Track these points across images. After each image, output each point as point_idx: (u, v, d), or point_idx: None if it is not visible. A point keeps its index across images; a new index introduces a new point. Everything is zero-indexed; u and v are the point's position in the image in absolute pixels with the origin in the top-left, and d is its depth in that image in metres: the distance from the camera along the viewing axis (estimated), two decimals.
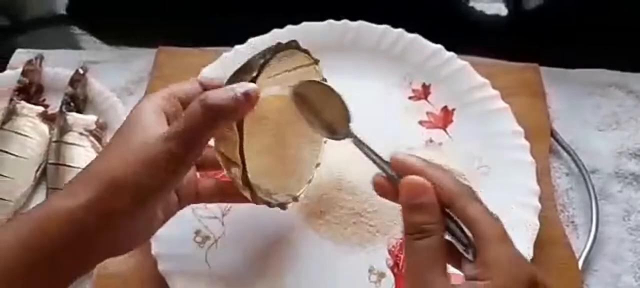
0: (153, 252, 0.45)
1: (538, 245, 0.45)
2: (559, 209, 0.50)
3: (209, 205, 0.49)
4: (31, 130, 0.53)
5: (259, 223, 0.48)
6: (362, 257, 0.47)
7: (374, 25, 0.56)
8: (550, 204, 0.49)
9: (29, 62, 0.57)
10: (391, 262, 0.46)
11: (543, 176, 0.50)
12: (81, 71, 0.56)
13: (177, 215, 0.48)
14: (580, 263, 0.47)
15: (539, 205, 0.47)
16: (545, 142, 0.53)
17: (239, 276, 0.46)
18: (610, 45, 0.61)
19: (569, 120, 0.56)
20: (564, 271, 0.47)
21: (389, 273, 0.46)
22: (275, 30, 0.56)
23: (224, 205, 0.49)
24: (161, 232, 0.46)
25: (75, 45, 0.66)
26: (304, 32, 0.56)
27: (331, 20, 0.56)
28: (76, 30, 0.68)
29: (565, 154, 0.53)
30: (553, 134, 0.54)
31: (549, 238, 0.47)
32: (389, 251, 0.47)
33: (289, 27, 0.56)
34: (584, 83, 0.58)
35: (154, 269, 0.45)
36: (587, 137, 0.55)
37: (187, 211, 0.48)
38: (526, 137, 0.50)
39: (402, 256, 0.47)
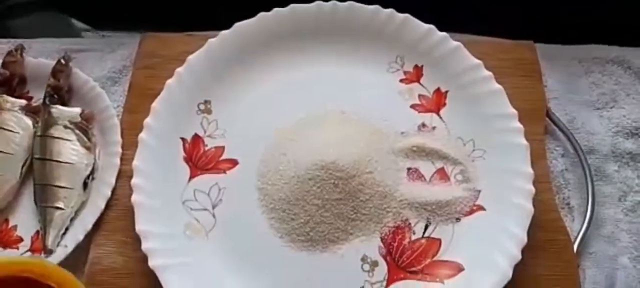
0: (143, 248, 0.44)
1: (533, 228, 0.45)
2: (554, 191, 0.49)
3: (200, 198, 0.49)
4: (15, 124, 0.52)
5: (251, 214, 0.48)
6: (355, 246, 0.46)
7: (363, 5, 0.54)
8: (546, 187, 0.49)
9: (9, 52, 0.55)
10: (384, 251, 0.46)
11: (538, 158, 0.49)
12: (63, 61, 0.54)
13: (167, 209, 0.47)
14: (575, 245, 0.47)
15: (533, 190, 0.46)
16: (541, 123, 0.52)
17: (231, 268, 0.46)
18: (608, 18, 0.60)
19: (565, 98, 0.54)
20: (559, 254, 0.46)
21: (382, 261, 0.46)
22: (262, 14, 0.54)
23: (214, 196, 0.49)
24: (151, 227, 0.46)
25: (56, 32, 0.64)
26: (292, 14, 0.54)
27: (320, 2, 0.54)
28: (57, 15, 0.66)
29: (561, 134, 0.52)
30: (549, 113, 0.53)
31: (544, 221, 0.47)
32: (382, 239, 0.46)
33: (276, 10, 0.54)
34: (580, 59, 0.57)
35: (145, 263, 0.44)
36: (583, 115, 0.53)
37: (177, 205, 0.48)
38: (521, 119, 0.49)
39: (395, 244, 0.46)
